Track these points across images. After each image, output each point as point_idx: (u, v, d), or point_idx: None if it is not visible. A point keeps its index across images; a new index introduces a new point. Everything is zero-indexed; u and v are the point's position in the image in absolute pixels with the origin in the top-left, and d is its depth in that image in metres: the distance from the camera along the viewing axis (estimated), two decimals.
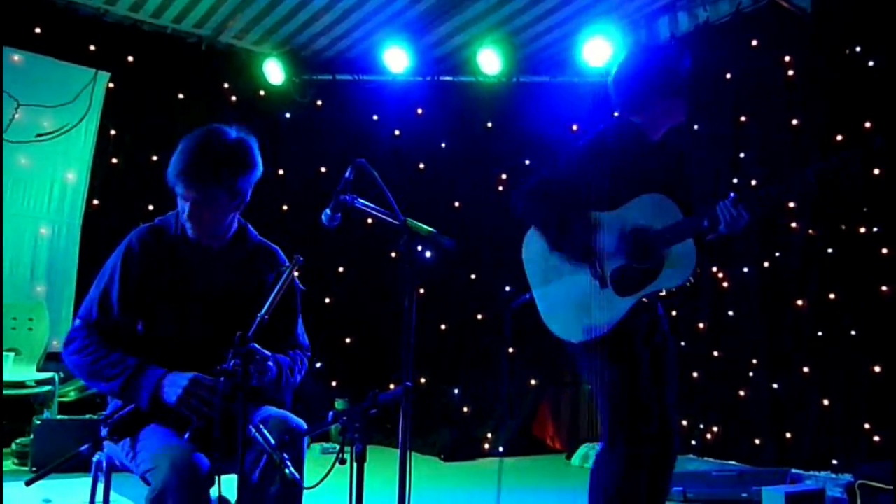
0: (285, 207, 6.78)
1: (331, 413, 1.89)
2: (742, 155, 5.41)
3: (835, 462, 4.64)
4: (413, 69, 6.52)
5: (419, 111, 6.99)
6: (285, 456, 1.94)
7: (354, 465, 1.81)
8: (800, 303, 5.00)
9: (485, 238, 6.43)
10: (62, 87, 6.00)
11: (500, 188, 6.69)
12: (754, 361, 5.23)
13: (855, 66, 4.77)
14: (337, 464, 1.81)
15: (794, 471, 4.49)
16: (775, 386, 5.09)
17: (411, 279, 2.07)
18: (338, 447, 1.90)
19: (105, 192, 6.23)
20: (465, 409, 6.49)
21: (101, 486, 2.33)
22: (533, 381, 6.47)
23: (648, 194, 2.60)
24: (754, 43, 5.37)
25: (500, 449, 6.13)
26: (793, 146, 5.10)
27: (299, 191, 6.71)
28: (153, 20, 6.35)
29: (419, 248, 2.16)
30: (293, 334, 2.46)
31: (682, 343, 5.52)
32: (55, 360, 5.29)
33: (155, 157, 6.12)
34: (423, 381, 6.46)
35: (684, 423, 5.50)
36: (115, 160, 6.30)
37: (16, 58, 5.85)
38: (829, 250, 4.86)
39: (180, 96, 6.52)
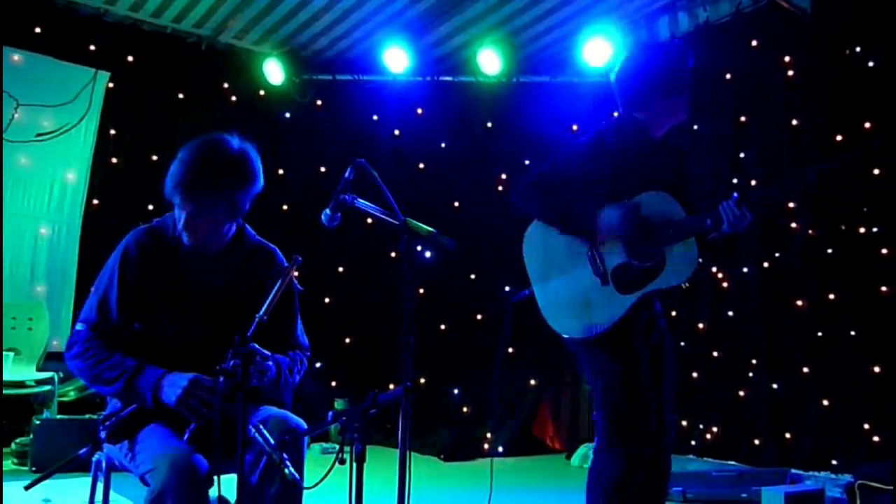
0: (285, 207, 6.77)
1: (330, 413, 1.89)
2: (742, 155, 5.40)
3: (834, 462, 4.63)
4: (413, 69, 6.51)
5: (419, 111, 6.98)
6: (285, 456, 1.94)
7: (354, 465, 1.81)
8: (800, 303, 5.00)
9: (485, 238, 6.42)
10: (62, 86, 5.99)
11: (500, 188, 6.68)
12: (754, 361, 5.23)
13: (855, 66, 4.77)
14: (337, 464, 1.81)
15: (793, 471, 4.49)
16: (775, 386, 5.09)
17: (411, 279, 2.07)
18: (337, 447, 1.90)
19: (105, 192, 6.22)
20: (465, 409, 6.48)
21: (100, 486, 2.34)
22: (533, 381, 6.46)
23: (651, 192, 2.59)
24: (754, 43, 5.36)
25: (500, 449, 6.13)
26: (793, 146, 5.09)
27: (299, 191, 6.70)
28: (153, 20, 6.34)
29: (419, 248, 2.16)
30: (293, 334, 2.46)
31: (682, 343, 5.51)
32: (55, 359, 5.29)
33: (155, 157, 6.13)
34: (422, 381, 6.46)
35: (684, 423, 5.50)
36: (114, 160, 6.29)
37: (16, 57, 5.85)
38: (829, 250, 4.85)
39: (180, 96, 6.52)
